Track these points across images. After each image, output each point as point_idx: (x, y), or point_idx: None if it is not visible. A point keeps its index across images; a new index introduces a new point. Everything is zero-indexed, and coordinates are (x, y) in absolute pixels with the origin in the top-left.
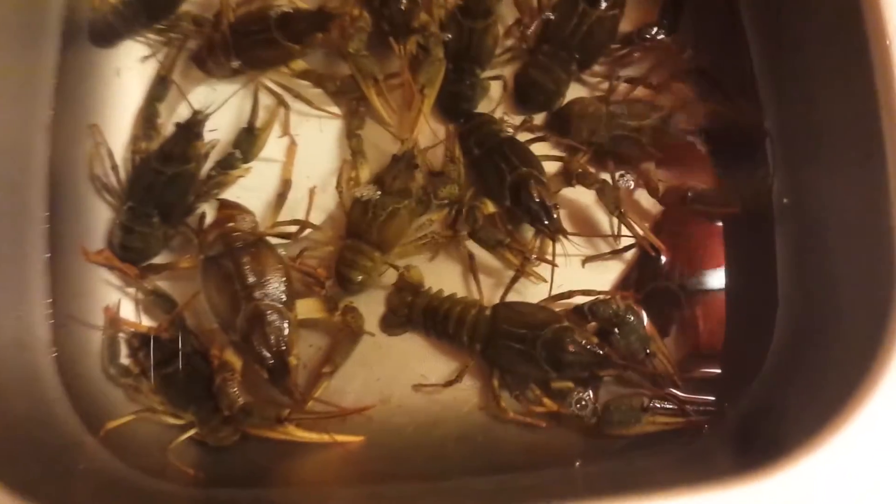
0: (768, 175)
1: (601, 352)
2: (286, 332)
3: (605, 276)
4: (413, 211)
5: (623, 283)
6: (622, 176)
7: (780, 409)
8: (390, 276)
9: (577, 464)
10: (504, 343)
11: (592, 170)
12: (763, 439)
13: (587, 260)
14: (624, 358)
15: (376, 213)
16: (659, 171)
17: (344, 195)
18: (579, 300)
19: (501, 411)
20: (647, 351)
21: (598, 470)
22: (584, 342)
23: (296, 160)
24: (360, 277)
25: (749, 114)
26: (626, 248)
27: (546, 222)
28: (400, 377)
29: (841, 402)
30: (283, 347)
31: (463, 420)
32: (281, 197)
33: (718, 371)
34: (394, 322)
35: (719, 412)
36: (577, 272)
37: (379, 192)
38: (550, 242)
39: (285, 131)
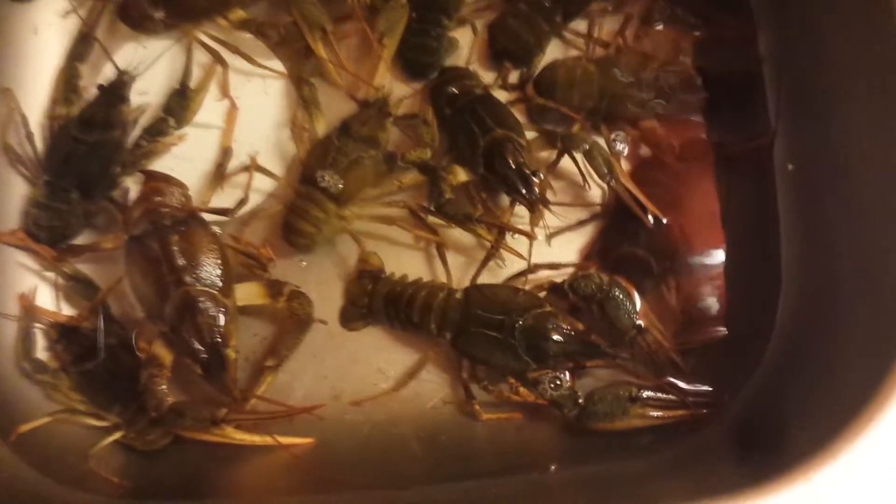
0: (768, 121)
1: (588, 339)
2: (221, 320)
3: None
4: (378, 164)
5: (588, 254)
6: (615, 138)
7: (786, 407)
8: (347, 249)
9: (553, 468)
10: (477, 331)
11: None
12: (767, 444)
13: (552, 234)
14: (613, 341)
15: (337, 160)
16: (663, 126)
17: (298, 141)
18: (559, 278)
19: (474, 411)
20: (638, 326)
21: (577, 476)
22: (568, 329)
23: (237, 125)
24: (310, 230)
25: (736, 27)
26: (595, 217)
27: (525, 192)
28: (354, 371)
29: (859, 399)
30: (218, 339)
31: (426, 418)
32: (220, 168)
33: (723, 330)
34: (353, 314)
35: (719, 404)
36: (559, 247)
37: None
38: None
39: (224, 93)
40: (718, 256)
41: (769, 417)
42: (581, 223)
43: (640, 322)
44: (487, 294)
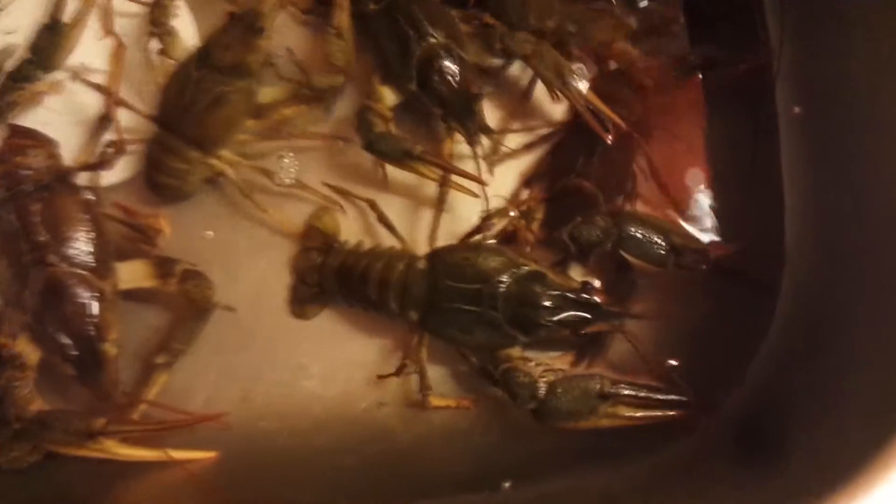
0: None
1: (587, 299)
2: (95, 309)
3: None
4: (251, 96)
5: (527, 180)
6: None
7: (785, 412)
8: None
9: (507, 485)
10: (450, 307)
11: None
12: (762, 459)
13: (492, 161)
14: (624, 294)
15: (196, 98)
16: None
17: (158, 66)
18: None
19: (425, 402)
20: (674, 247)
21: (537, 495)
22: (561, 289)
23: (125, 69)
24: (172, 183)
25: None
26: (545, 139)
27: (465, 119)
28: (269, 368)
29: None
30: (92, 331)
31: (357, 424)
32: (103, 122)
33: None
34: (305, 295)
35: (709, 408)
36: (499, 173)
37: None
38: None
39: (107, 29)
40: (697, 209)
41: (767, 424)
42: (528, 147)
43: (673, 240)
44: (455, 259)
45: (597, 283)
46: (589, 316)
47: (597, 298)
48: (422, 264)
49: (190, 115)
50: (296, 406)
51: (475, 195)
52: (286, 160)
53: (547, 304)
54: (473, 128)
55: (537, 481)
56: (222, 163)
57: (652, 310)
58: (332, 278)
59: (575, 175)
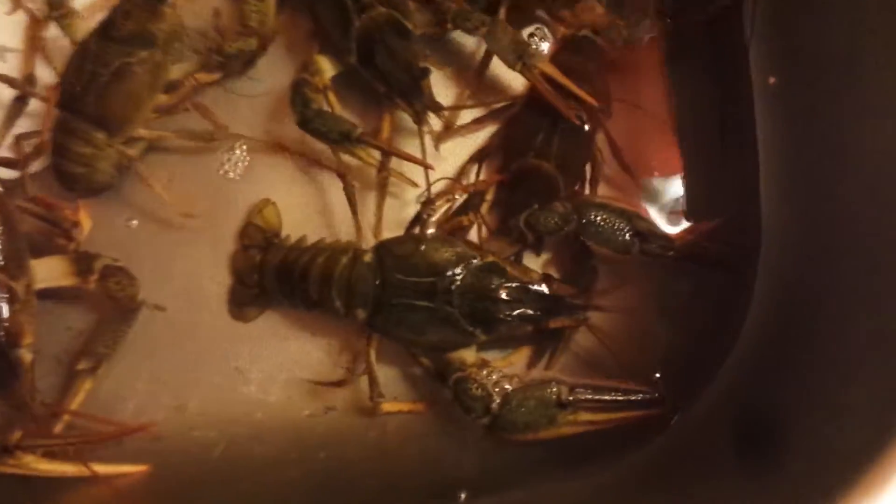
0: None
1: (548, 291)
2: (4, 311)
3: None
4: (157, 68)
5: (479, 157)
6: (534, 33)
7: (774, 409)
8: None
9: (463, 497)
10: (401, 303)
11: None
12: (755, 461)
13: (439, 138)
14: (586, 282)
15: (96, 72)
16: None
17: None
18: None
19: (376, 408)
20: (640, 234)
21: None
22: (520, 280)
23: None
24: (79, 171)
25: None
26: (497, 113)
27: (410, 95)
28: (203, 372)
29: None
30: (2, 336)
31: (301, 431)
32: (19, 103)
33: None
34: (244, 297)
35: (673, 405)
36: (449, 152)
37: None
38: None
39: (17, 2)
40: (663, 189)
41: (756, 423)
42: (480, 121)
43: (637, 225)
44: (405, 251)
45: (556, 276)
46: (551, 310)
47: (558, 291)
48: (368, 258)
49: (91, 92)
50: (234, 413)
51: (414, 184)
52: (237, 152)
53: (506, 297)
54: (421, 106)
55: (497, 491)
56: (135, 145)
57: (618, 302)
58: (273, 277)
59: (533, 154)
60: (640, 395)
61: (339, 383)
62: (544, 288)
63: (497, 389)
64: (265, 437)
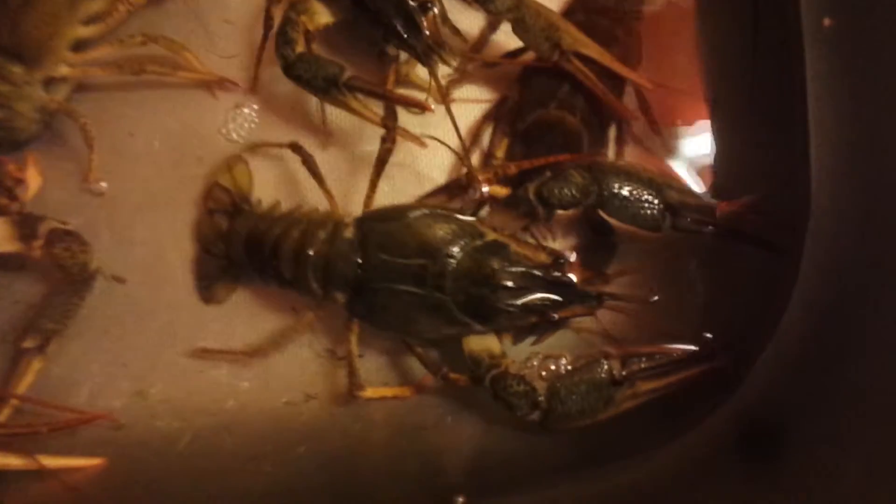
0: None
1: (559, 278)
2: None
3: None
4: None
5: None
6: None
7: (802, 410)
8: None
9: (461, 500)
10: (385, 287)
11: None
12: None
13: (449, 87)
14: (603, 263)
15: None
16: None
17: None
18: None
19: (355, 395)
20: (670, 207)
21: None
22: (527, 265)
23: None
24: None
25: None
26: (514, 55)
27: (407, 35)
28: (167, 353)
29: None
30: None
31: (279, 421)
32: None
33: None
34: (210, 269)
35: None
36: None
37: None
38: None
39: None
40: (697, 154)
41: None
42: (491, 65)
43: (668, 196)
44: (391, 227)
45: (572, 257)
46: (561, 298)
47: (571, 276)
48: (349, 232)
49: (3, 19)
50: (202, 401)
51: (423, 144)
52: (245, 111)
53: (508, 283)
54: (421, 46)
55: (500, 494)
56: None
57: (642, 289)
58: (241, 249)
59: (555, 105)
60: (697, 351)
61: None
62: (554, 273)
63: (541, 379)
64: (237, 427)
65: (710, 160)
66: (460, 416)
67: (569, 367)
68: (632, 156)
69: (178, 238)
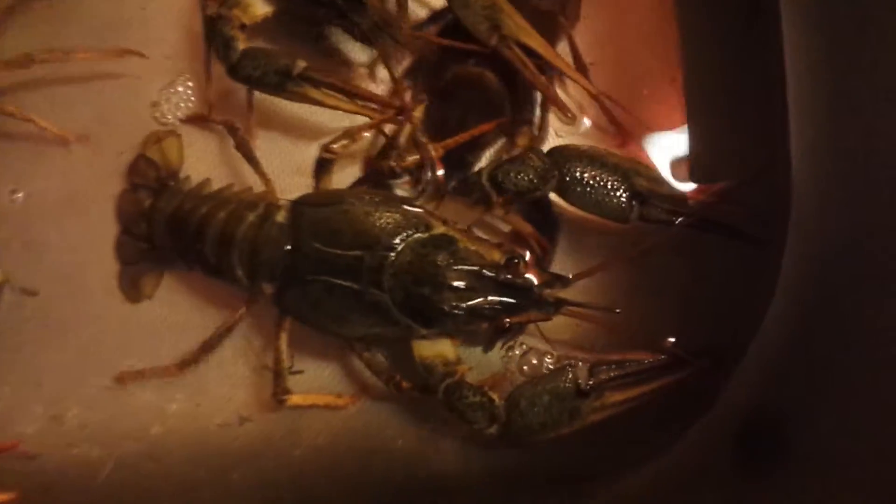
0: None
1: (514, 278)
2: None
3: None
4: None
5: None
6: None
7: (791, 408)
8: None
9: None
10: (317, 280)
11: None
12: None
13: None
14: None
15: None
16: None
17: None
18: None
19: (280, 392)
20: (640, 194)
21: None
22: (480, 264)
23: None
24: None
25: None
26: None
27: (349, 12)
28: (86, 372)
29: None
30: None
31: (209, 445)
32: None
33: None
34: (131, 253)
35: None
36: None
37: None
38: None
39: None
40: (664, 135)
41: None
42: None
43: (637, 183)
44: (328, 212)
45: (527, 255)
46: (515, 301)
47: (528, 277)
48: (281, 216)
49: None
50: (126, 426)
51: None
52: (180, 89)
53: (456, 283)
54: (367, 23)
55: None
56: None
57: (608, 290)
58: (164, 230)
59: (474, 62)
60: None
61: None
62: (506, 275)
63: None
64: (164, 454)
65: (680, 144)
66: (414, 437)
67: (551, 367)
68: (594, 138)
69: (97, 244)
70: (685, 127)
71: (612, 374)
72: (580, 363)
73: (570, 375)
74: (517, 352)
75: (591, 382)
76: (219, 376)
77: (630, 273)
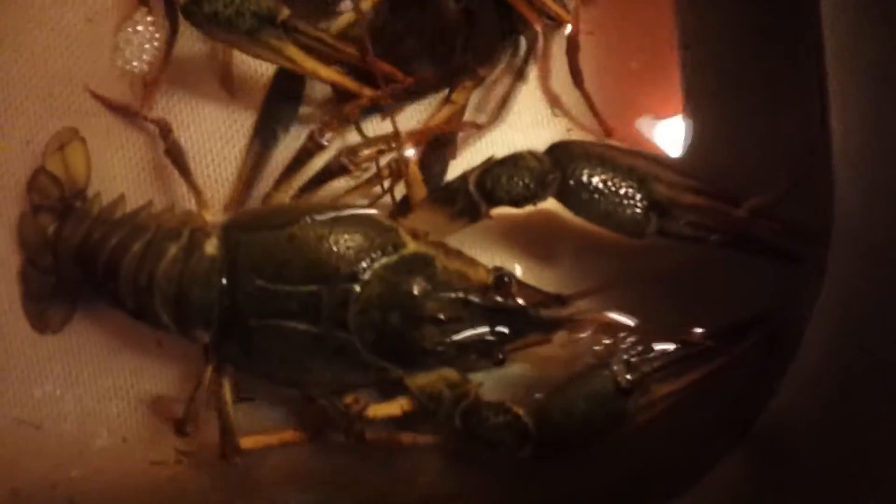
0: None
1: (506, 303)
2: None
3: None
4: None
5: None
6: None
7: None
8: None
9: None
10: (265, 325)
11: None
12: None
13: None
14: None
15: None
16: None
17: None
18: None
19: (231, 451)
20: (659, 204)
21: None
22: (465, 288)
23: None
24: None
25: None
26: None
27: None
28: None
29: None
30: None
31: (139, 489)
32: None
33: None
34: (38, 288)
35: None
36: None
37: None
38: None
39: None
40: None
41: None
42: None
43: (655, 193)
44: (269, 238)
45: (518, 271)
46: (507, 331)
47: (519, 300)
48: (211, 246)
49: None
50: (39, 467)
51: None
52: (140, 27)
53: (438, 315)
54: None
55: None
56: None
57: (618, 312)
58: (71, 263)
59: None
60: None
61: (179, 426)
62: (496, 298)
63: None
64: (87, 498)
65: (692, 137)
66: (378, 470)
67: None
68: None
69: (6, 256)
70: (690, 120)
71: (654, 364)
72: (612, 358)
73: (606, 373)
74: None
75: (630, 377)
76: (148, 407)
77: (634, 296)
